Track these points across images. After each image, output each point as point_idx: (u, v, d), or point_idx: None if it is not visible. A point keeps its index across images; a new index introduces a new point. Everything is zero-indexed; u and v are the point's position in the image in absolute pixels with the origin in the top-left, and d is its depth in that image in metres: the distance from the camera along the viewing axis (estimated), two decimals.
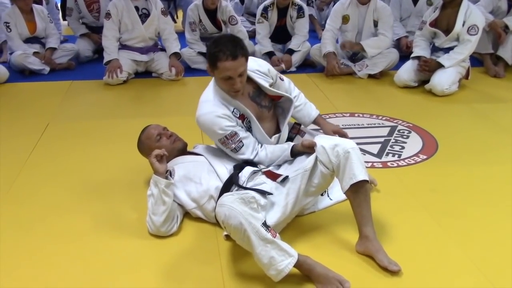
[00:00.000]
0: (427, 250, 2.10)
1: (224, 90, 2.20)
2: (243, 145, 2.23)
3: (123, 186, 2.61)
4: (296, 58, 4.83)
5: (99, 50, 5.08)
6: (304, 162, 2.10)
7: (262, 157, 2.27)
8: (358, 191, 1.99)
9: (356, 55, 4.72)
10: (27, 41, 4.83)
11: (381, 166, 2.87)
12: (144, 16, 4.52)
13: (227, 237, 2.12)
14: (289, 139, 2.50)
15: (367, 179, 1.99)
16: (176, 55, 4.63)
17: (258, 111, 2.30)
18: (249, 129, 2.28)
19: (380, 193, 2.55)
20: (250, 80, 2.26)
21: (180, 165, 2.31)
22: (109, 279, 1.94)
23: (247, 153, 2.25)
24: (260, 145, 2.30)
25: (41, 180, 2.71)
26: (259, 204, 1.96)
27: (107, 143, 3.19)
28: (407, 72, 4.25)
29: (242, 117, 2.25)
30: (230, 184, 2.14)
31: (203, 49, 4.81)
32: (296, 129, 2.56)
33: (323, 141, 2.06)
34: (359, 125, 3.49)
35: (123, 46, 4.59)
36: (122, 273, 1.98)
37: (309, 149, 2.13)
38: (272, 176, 2.14)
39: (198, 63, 4.86)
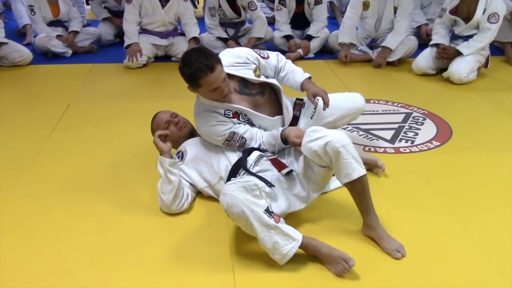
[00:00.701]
0: (433, 233, 2.13)
1: (212, 99, 2.21)
2: (246, 140, 2.25)
3: (140, 165, 2.69)
4: (314, 44, 4.84)
5: (120, 34, 5.16)
6: (297, 165, 2.13)
7: (263, 147, 2.29)
8: (355, 184, 1.99)
9: (375, 41, 4.71)
10: (51, 24, 4.95)
11: (393, 151, 2.89)
12: (165, 0, 4.57)
13: None
14: (295, 117, 2.50)
15: (362, 174, 1.96)
16: (195, 39, 4.68)
17: (251, 101, 2.30)
18: (248, 121, 2.29)
19: (390, 178, 2.57)
20: (231, 76, 2.25)
21: (192, 146, 2.37)
22: (121, 253, 2.02)
23: (252, 144, 2.28)
24: (262, 134, 2.30)
25: (61, 158, 2.81)
26: (263, 191, 1.99)
27: (125, 124, 3.28)
28: (425, 59, 4.22)
29: (236, 114, 2.26)
30: (238, 167, 2.18)
31: (223, 34, 4.88)
32: (298, 106, 2.55)
33: (310, 143, 1.98)
34: (374, 111, 3.50)
35: (143, 31, 4.66)
36: (134, 247, 2.05)
37: (296, 149, 2.12)
38: (278, 165, 2.16)
39: (217, 48, 4.87)
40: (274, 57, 2.47)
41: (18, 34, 5.63)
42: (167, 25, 4.67)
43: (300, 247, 1.87)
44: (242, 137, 2.24)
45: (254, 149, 2.26)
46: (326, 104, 2.34)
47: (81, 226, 2.19)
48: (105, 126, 3.25)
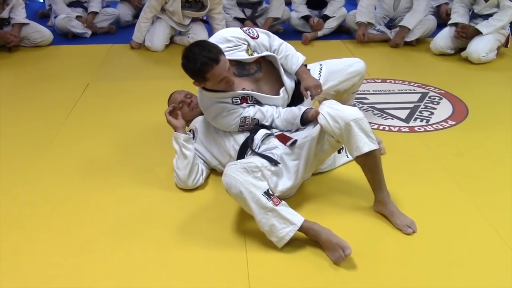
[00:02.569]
0: (445, 210, 2.15)
1: (220, 89, 2.20)
2: (258, 121, 2.26)
3: (156, 143, 2.74)
4: (331, 24, 4.81)
5: (139, 15, 5.18)
6: (312, 130, 2.10)
7: (278, 124, 2.28)
8: (367, 159, 2.00)
9: (393, 21, 4.67)
10: (71, 5, 5.01)
11: (408, 130, 2.89)
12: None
13: None
14: (299, 82, 2.48)
15: (373, 148, 1.97)
16: None
17: (252, 81, 2.29)
18: (257, 102, 2.28)
19: (403, 156, 2.59)
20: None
21: (202, 124, 2.41)
22: (137, 226, 2.09)
23: (265, 122, 2.28)
24: (277, 112, 2.29)
25: (81, 135, 2.89)
26: (269, 169, 2.02)
27: (142, 102, 3.34)
28: (443, 39, 4.18)
29: (244, 99, 2.25)
30: (246, 147, 2.19)
31: (240, 14, 4.89)
32: None
33: (325, 111, 2.00)
34: (390, 90, 3.50)
35: (163, 11, 4.60)
36: (150, 221, 2.12)
37: (315, 119, 2.09)
38: (283, 139, 2.17)
39: None
40: (265, 36, 2.37)
41: (41, 15, 5.72)
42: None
43: (300, 231, 1.90)
44: (254, 118, 2.25)
45: (261, 127, 2.26)
46: (312, 97, 2.35)
47: (99, 200, 2.27)
48: (123, 105, 3.32)
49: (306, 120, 2.20)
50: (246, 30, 2.34)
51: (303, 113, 2.21)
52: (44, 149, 2.72)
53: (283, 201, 1.91)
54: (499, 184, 2.33)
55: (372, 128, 2.79)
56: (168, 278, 1.81)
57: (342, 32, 4.93)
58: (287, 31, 5.02)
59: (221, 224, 2.09)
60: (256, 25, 4.89)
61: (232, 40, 2.26)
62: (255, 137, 2.21)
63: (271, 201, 1.86)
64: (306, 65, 2.60)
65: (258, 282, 1.77)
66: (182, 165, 2.27)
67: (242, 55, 2.26)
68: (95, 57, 4.36)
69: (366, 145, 1.97)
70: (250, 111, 2.25)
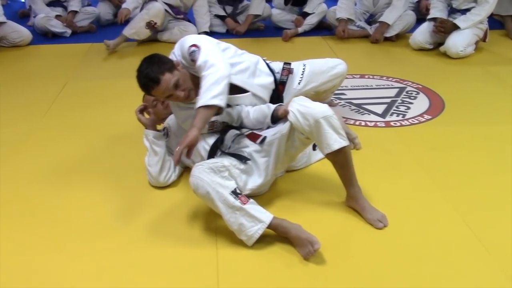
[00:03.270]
0: (417, 205, 2.16)
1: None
2: (227, 123, 2.23)
3: (132, 140, 2.70)
4: (312, 21, 4.81)
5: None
6: (282, 126, 2.10)
7: (248, 124, 2.27)
8: (338, 155, 2.00)
9: (374, 17, 4.69)
10: (50, 4, 4.97)
11: (384, 125, 2.90)
12: None
13: None
14: (282, 82, 2.50)
15: (343, 145, 1.97)
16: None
17: None
18: (227, 105, 2.12)
19: (378, 151, 2.60)
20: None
21: (175, 121, 2.39)
22: (107, 224, 2.09)
23: (234, 124, 2.26)
24: (246, 112, 2.27)
25: (56, 134, 2.87)
26: (238, 168, 2.03)
27: (120, 101, 3.31)
28: (422, 34, 4.19)
29: None
30: (216, 148, 2.17)
31: (221, 12, 4.90)
32: (286, 71, 2.54)
33: (295, 108, 1.99)
34: (367, 86, 3.51)
35: None
36: (121, 219, 2.12)
37: (285, 117, 2.07)
38: (253, 137, 2.16)
39: (215, 26, 4.89)
40: (198, 66, 2.07)
41: (21, 15, 5.66)
42: (178, 2, 4.63)
43: (269, 228, 1.90)
44: (222, 122, 2.23)
45: (231, 128, 2.25)
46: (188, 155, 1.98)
47: (71, 200, 2.26)
48: (100, 104, 3.30)
49: (276, 118, 2.19)
50: (190, 52, 2.11)
51: (273, 111, 2.21)
52: (18, 148, 2.70)
53: (251, 200, 1.91)
54: (472, 178, 2.34)
55: (348, 124, 2.86)
56: (137, 276, 1.80)
57: (323, 28, 4.93)
58: (268, 28, 5.02)
59: (192, 222, 2.08)
60: (237, 22, 4.89)
61: (186, 58, 2.15)
62: (225, 137, 2.20)
63: (239, 200, 1.86)
64: (290, 64, 2.61)
65: (227, 278, 1.77)
66: (153, 161, 2.27)
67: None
68: (74, 56, 4.32)
69: (336, 142, 1.97)
70: (218, 115, 2.22)
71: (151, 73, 2.04)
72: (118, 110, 3.17)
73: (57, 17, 4.89)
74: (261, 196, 2.17)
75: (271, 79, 2.48)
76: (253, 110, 2.28)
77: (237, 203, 1.85)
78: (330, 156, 2.02)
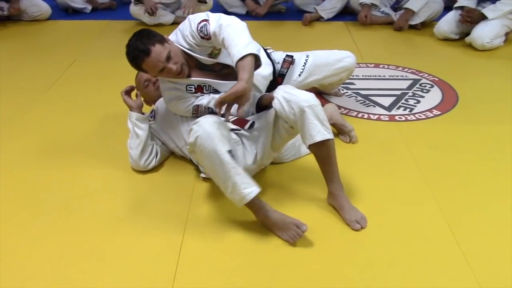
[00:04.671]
0: (403, 205, 2.03)
1: (168, 78, 2.08)
2: (212, 109, 2.12)
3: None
4: (336, 5, 4.63)
5: None
6: (267, 114, 2.03)
7: (233, 111, 2.09)
8: (320, 148, 1.91)
9: (399, 3, 4.46)
10: None
11: (387, 119, 2.75)
12: None
13: (204, 179, 2.17)
14: (281, 75, 2.42)
15: (327, 138, 1.88)
16: None
17: (217, 75, 2.14)
18: (215, 91, 2.13)
19: (374, 146, 2.46)
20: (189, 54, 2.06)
21: (163, 104, 2.33)
22: (80, 205, 2.06)
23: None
24: None
25: (52, 113, 2.86)
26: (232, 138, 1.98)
27: (124, 81, 3.25)
28: (448, 23, 3.96)
29: (200, 88, 2.12)
30: None
31: None
32: (287, 63, 2.46)
33: (281, 95, 1.91)
34: (380, 76, 3.33)
35: None
36: (94, 201, 2.09)
37: (270, 104, 1.99)
38: (240, 123, 2.09)
39: (235, 7, 4.79)
40: (213, 34, 1.95)
41: None
42: None
43: (253, 207, 1.84)
44: (208, 107, 2.14)
45: (216, 113, 2.16)
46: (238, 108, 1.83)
47: (49, 179, 2.24)
48: (103, 82, 3.27)
49: (262, 106, 2.11)
50: (201, 28, 1.97)
51: (259, 99, 2.12)
52: (12, 126, 2.71)
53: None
54: (466, 182, 2.18)
55: (350, 116, 2.74)
56: (96, 261, 1.76)
57: (347, 13, 4.74)
58: (289, 11, 4.86)
59: (166, 208, 2.03)
60: (257, 3, 4.76)
61: (194, 37, 2.02)
62: None
63: (234, 160, 1.79)
64: (292, 56, 2.51)
65: (185, 269, 1.71)
66: (134, 144, 2.22)
67: (202, 55, 2.07)
68: (89, 33, 4.31)
69: (319, 134, 1.88)
70: (204, 100, 2.14)
71: (140, 44, 1.97)
72: (120, 88, 3.12)
73: None
74: None
75: (270, 69, 2.40)
76: None
77: (233, 162, 1.78)
78: (312, 147, 1.93)
